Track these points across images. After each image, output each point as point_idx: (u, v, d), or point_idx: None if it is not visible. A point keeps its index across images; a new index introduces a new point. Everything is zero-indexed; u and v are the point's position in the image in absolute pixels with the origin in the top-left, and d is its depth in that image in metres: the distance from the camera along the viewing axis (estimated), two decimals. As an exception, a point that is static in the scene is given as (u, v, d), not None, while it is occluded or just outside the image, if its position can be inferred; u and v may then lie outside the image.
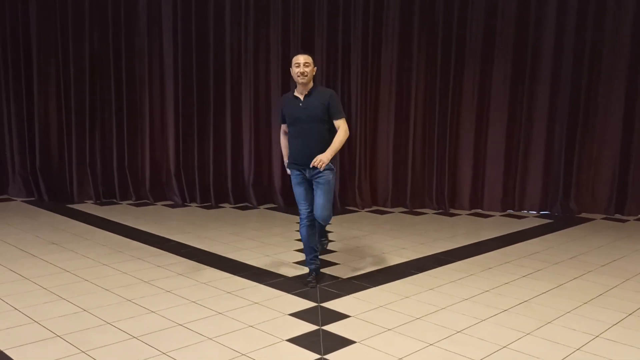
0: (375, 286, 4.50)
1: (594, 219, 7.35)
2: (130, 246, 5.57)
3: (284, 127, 4.54)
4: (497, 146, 7.66)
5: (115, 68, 7.73)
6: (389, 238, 6.15)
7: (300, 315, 3.86)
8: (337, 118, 4.31)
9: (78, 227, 6.34)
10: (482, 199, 7.81)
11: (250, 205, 7.87)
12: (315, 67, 4.39)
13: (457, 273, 4.90)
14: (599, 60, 7.37)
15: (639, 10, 7.20)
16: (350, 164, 7.77)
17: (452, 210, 7.73)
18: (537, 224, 7.05)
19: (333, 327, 3.66)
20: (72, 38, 7.64)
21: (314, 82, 4.39)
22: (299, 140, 4.35)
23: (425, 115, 7.72)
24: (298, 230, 6.35)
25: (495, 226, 6.93)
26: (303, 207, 4.41)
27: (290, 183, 7.75)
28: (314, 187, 4.34)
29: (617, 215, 7.54)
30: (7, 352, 3.19)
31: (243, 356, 3.22)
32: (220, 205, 7.84)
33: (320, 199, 4.28)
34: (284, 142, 4.59)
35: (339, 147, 4.26)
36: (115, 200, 7.91)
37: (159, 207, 7.68)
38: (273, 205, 7.89)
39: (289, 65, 4.39)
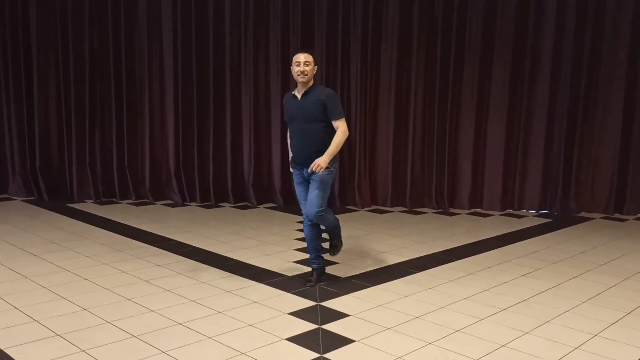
0: (374, 285, 4.51)
1: (593, 218, 7.36)
2: (130, 245, 5.58)
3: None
4: (497, 146, 7.67)
5: (115, 68, 7.73)
6: (389, 237, 6.16)
7: (299, 314, 3.87)
8: (335, 118, 4.25)
9: (78, 226, 6.35)
10: (481, 198, 7.82)
11: (250, 204, 7.87)
12: (316, 66, 4.36)
13: (456, 272, 4.90)
14: (599, 60, 7.38)
15: (639, 11, 7.21)
16: (350, 163, 7.77)
17: (452, 210, 7.74)
18: (536, 223, 7.06)
19: (332, 326, 3.67)
20: (72, 38, 7.64)
21: (314, 81, 4.36)
22: (296, 139, 4.36)
23: (425, 114, 7.72)
24: (298, 230, 6.39)
25: (495, 225, 6.93)
26: (304, 207, 4.42)
27: (290, 182, 7.83)
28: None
29: (616, 215, 7.55)
30: (7, 351, 3.19)
31: (242, 355, 3.23)
32: (220, 204, 7.85)
33: (310, 195, 4.29)
34: (289, 140, 4.60)
35: (337, 150, 4.22)
36: (115, 200, 7.91)
37: (158, 206, 7.68)
38: (273, 205, 7.89)
39: (289, 64, 4.39)
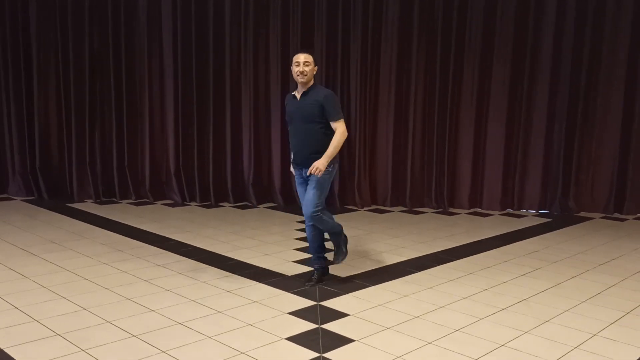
0: (374, 285, 4.51)
1: (592, 218, 7.37)
2: (130, 245, 5.58)
3: None
4: (497, 145, 7.67)
5: (115, 68, 7.73)
6: (388, 237, 6.16)
7: (299, 313, 3.87)
8: (333, 120, 4.21)
9: (78, 226, 6.35)
10: (481, 198, 7.83)
11: (249, 204, 7.88)
12: (317, 67, 4.33)
13: (456, 272, 4.91)
14: (598, 60, 7.38)
15: (638, 11, 7.21)
16: (350, 163, 7.78)
17: (452, 210, 7.75)
18: (536, 223, 7.06)
19: (332, 326, 3.67)
20: (72, 38, 7.64)
21: (314, 81, 4.34)
22: (295, 140, 4.36)
23: (425, 114, 7.73)
24: (298, 230, 6.40)
25: (494, 225, 6.94)
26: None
27: (290, 182, 7.85)
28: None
29: (616, 214, 7.56)
30: (7, 351, 3.20)
31: (242, 354, 3.23)
32: (220, 204, 7.85)
33: (307, 195, 4.29)
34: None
35: (335, 152, 4.19)
36: (115, 200, 7.92)
37: (158, 206, 7.69)
38: (273, 204, 7.90)
39: (289, 64, 4.39)
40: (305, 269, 4.90)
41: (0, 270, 4.66)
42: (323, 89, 4.39)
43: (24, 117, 7.87)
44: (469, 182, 7.78)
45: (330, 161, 4.19)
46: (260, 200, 7.91)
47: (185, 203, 7.84)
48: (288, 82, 7.29)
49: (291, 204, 7.76)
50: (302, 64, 4.20)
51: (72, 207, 7.41)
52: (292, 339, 3.46)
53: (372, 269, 4.98)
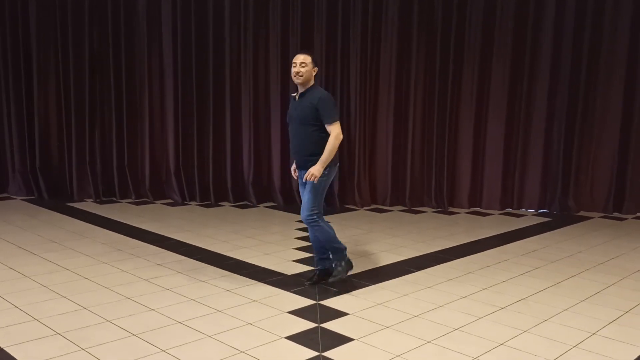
0: (373, 284, 4.52)
1: (592, 218, 7.38)
2: (129, 244, 5.59)
3: None
4: (496, 145, 7.68)
5: (115, 68, 7.73)
6: (388, 236, 6.17)
7: (299, 312, 3.88)
8: (327, 122, 4.13)
9: (78, 226, 6.36)
10: (480, 197, 7.83)
11: (249, 203, 7.88)
12: (316, 68, 4.27)
13: (455, 271, 4.92)
14: (597, 60, 7.39)
15: (637, 11, 7.22)
16: (350, 162, 7.78)
17: (451, 209, 7.75)
18: (535, 223, 7.07)
19: (331, 325, 3.68)
20: (72, 38, 7.64)
21: (314, 82, 4.29)
22: (293, 141, 4.34)
23: (425, 113, 7.73)
24: (297, 229, 6.41)
25: (494, 224, 6.95)
26: None
27: (290, 181, 7.86)
28: None
29: (615, 214, 7.56)
30: (7, 350, 3.21)
31: (242, 353, 3.24)
32: (220, 203, 7.86)
33: (303, 198, 4.28)
34: None
35: (330, 156, 4.11)
36: (115, 199, 7.92)
37: (158, 205, 7.69)
38: (272, 204, 7.90)
39: (289, 64, 4.39)
40: (305, 268, 4.91)
41: (0, 270, 4.66)
42: (320, 91, 4.29)
43: (24, 117, 7.88)
44: (469, 182, 7.79)
45: (330, 162, 4.15)
46: (260, 200, 7.91)
47: (185, 202, 7.85)
48: (288, 81, 7.29)
49: (291, 204, 7.76)
50: (299, 64, 4.17)
51: (72, 207, 7.42)
52: (291, 338, 3.47)
53: (371, 268, 4.99)
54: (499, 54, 7.49)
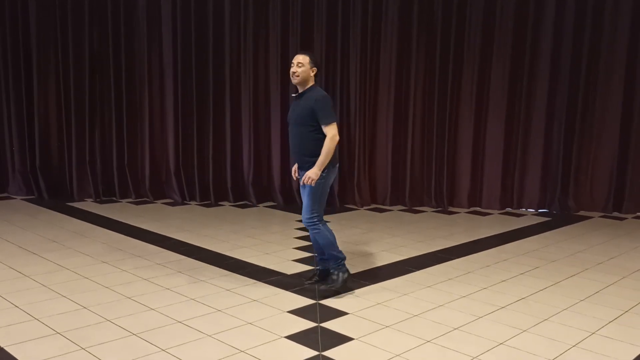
0: (373, 283, 4.52)
1: (592, 217, 7.38)
2: (129, 244, 5.59)
3: None
4: (496, 144, 7.68)
5: (115, 68, 7.73)
6: (388, 236, 6.17)
7: (298, 312, 3.88)
8: (323, 124, 4.05)
9: (78, 225, 6.36)
10: (480, 197, 7.84)
11: (249, 203, 7.89)
12: (315, 68, 4.17)
13: (455, 271, 4.92)
14: (597, 60, 7.39)
15: (637, 11, 7.22)
16: (350, 162, 7.78)
17: (451, 208, 7.75)
18: (535, 222, 7.07)
19: (331, 324, 3.68)
20: (72, 38, 7.65)
21: (313, 83, 4.22)
22: (292, 141, 4.29)
23: (424, 113, 7.74)
24: (297, 229, 6.41)
25: (494, 224, 6.95)
26: None
27: (290, 181, 7.86)
28: None
29: (615, 213, 7.57)
30: (7, 349, 3.21)
31: (242, 353, 3.24)
32: (220, 203, 7.86)
33: (303, 201, 4.24)
34: None
35: (327, 159, 4.03)
36: (115, 199, 7.92)
37: (158, 205, 7.70)
38: (272, 204, 7.90)
39: (289, 64, 4.37)
40: (305, 267, 4.91)
41: (0, 270, 4.67)
42: (318, 92, 4.19)
43: (24, 117, 7.88)
44: (469, 181, 7.79)
45: (328, 164, 4.08)
46: (260, 200, 7.92)
47: (185, 202, 7.85)
48: (288, 81, 7.25)
49: (291, 203, 7.77)
50: (296, 64, 4.15)
51: (72, 206, 7.42)
52: (291, 337, 3.47)
53: (371, 267, 4.99)
54: (499, 53, 7.49)
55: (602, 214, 7.57)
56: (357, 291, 4.33)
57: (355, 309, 3.95)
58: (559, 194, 7.64)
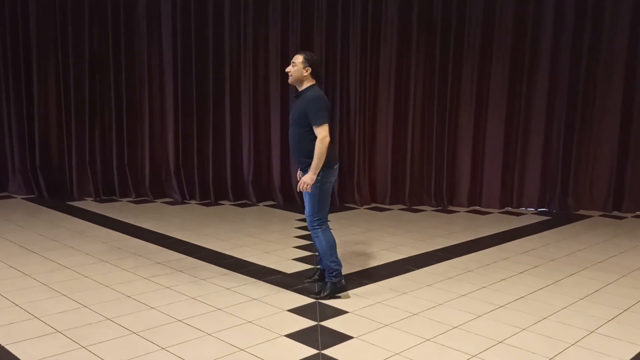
0: (373, 282, 4.53)
1: (591, 216, 7.39)
2: (129, 243, 5.60)
3: None
4: (496, 144, 7.69)
5: (115, 67, 7.74)
6: (388, 235, 6.18)
7: (298, 311, 3.89)
8: (314, 125, 3.95)
9: (78, 224, 6.37)
10: (480, 196, 7.84)
11: (249, 202, 7.89)
12: (309, 68, 4.06)
13: (454, 269, 4.93)
14: (597, 59, 7.40)
15: (637, 11, 7.22)
16: (350, 161, 7.79)
17: (451, 208, 7.76)
18: (534, 221, 7.08)
19: (331, 323, 3.69)
20: (72, 38, 7.64)
21: (310, 83, 4.13)
22: (290, 142, 4.24)
23: (424, 112, 7.74)
24: (297, 227, 6.42)
25: (493, 223, 6.96)
26: None
27: (290, 180, 7.86)
28: None
29: (615, 213, 7.57)
30: (8, 348, 3.22)
31: (242, 351, 3.25)
32: (220, 202, 7.87)
33: (305, 204, 4.22)
34: None
35: (320, 161, 3.92)
36: (115, 198, 7.93)
37: (158, 204, 7.70)
38: (272, 203, 7.91)
39: (288, 64, 4.37)
40: (305, 266, 4.92)
41: (1, 269, 4.67)
42: (313, 92, 4.06)
43: (24, 117, 7.88)
44: (468, 180, 7.80)
45: (323, 167, 3.97)
46: (260, 199, 7.92)
47: (185, 201, 7.86)
48: (287, 80, 7.29)
49: (291, 202, 7.78)
50: (290, 64, 4.15)
51: (72, 206, 7.43)
52: (291, 336, 3.48)
53: (371, 266, 5.00)
54: (499, 53, 7.50)
55: (602, 213, 7.58)
56: (356, 290, 4.34)
57: (355, 308, 3.96)
58: (559, 193, 7.65)
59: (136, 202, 7.74)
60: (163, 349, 3.26)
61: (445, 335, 3.53)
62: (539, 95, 7.55)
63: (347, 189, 7.87)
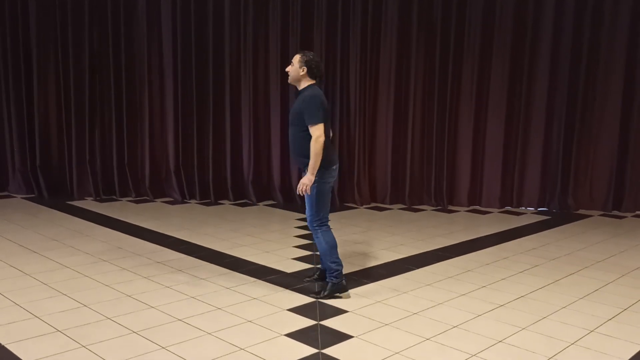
0: (373, 282, 4.53)
1: (591, 216, 7.39)
2: (129, 242, 5.60)
3: None
4: (496, 143, 7.69)
5: (115, 67, 7.73)
6: (387, 234, 6.18)
7: (298, 310, 3.89)
8: (308, 124, 3.91)
9: (78, 224, 6.37)
10: (480, 195, 7.84)
11: (249, 202, 7.90)
12: (305, 68, 4.04)
13: (454, 269, 4.93)
14: (597, 59, 7.39)
15: (637, 10, 7.23)
16: (350, 161, 7.79)
17: (451, 207, 7.76)
18: (534, 221, 7.08)
19: (331, 322, 3.69)
20: (72, 38, 7.64)
21: (308, 83, 4.12)
22: (289, 141, 4.23)
23: (424, 112, 7.74)
24: (297, 227, 6.42)
25: (493, 222, 6.96)
26: None
27: (289, 180, 7.86)
28: None
29: (615, 212, 7.57)
30: (8, 347, 3.22)
31: (241, 351, 3.26)
32: (220, 202, 7.87)
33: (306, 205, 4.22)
34: None
35: (316, 161, 3.88)
36: (115, 197, 7.93)
37: (158, 203, 7.70)
38: (272, 202, 7.91)
39: (288, 64, 4.38)
40: (305, 266, 4.93)
41: (1, 268, 4.68)
42: (310, 91, 4.03)
43: (24, 116, 7.88)
44: (468, 180, 7.80)
45: (321, 167, 3.93)
46: (260, 198, 7.93)
47: (185, 201, 7.86)
48: (287, 80, 7.30)
49: (291, 202, 7.78)
50: (290, 64, 4.16)
51: (72, 205, 7.43)
52: (291, 335, 3.48)
53: (370, 266, 5.00)
54: (499, 53, 7.49)
55: (602, 212, 7.58)
56: (356, 289, 4.34)
57: (355, 307, 3.96)
58: (559, 192, 7.65)
59: (136, 202, 7.74)
60: (163, 348, 3.26)
61: (445, 335, 3.53)
62: (539, 95, 7.55)
63: (347, 188, 7.87)
